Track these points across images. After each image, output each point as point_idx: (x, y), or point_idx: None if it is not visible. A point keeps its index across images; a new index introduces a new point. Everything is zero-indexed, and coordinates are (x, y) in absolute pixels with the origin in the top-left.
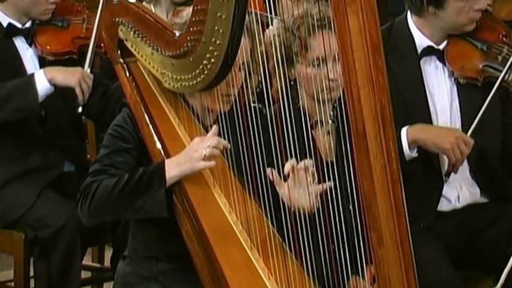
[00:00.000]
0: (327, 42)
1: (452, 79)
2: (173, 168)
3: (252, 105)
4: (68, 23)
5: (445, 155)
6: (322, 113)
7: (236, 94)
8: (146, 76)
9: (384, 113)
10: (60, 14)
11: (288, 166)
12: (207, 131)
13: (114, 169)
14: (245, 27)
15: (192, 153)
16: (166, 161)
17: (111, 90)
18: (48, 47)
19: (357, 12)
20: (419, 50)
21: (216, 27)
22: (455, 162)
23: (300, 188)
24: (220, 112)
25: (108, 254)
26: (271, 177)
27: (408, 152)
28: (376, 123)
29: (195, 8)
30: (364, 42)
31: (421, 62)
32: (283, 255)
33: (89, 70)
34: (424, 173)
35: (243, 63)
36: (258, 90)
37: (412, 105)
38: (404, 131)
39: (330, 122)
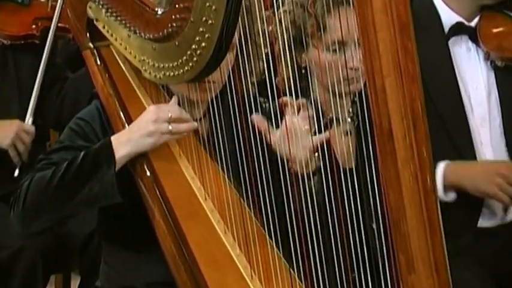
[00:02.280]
0: (347, 23)
1: (489, 63)
2: (123, 146)
3: (252, 98)
4: (30, 0)
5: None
6: (340, 109)
7: (220, 81)
8: (122, 64)
9: (414, 107)
10: None
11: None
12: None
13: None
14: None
15: (148, 126)
16: (113, 138)
17: (65, 86)
18: (4, 29)
19: None
20: (446, 29)
21: (208, 3)
22: (509, 203)
23: (294, 137)
24: (213, 106)
25: (75, 282)
26: (257, 124)
27: (443, 196)
28: (404, 120)
29: None
30: (389, 21)
31: (449, 43)
32: (292, 285)
33: (30, 120)
34: None
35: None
36: (262, 78)
37: (441, 96)
38: (440, 170)
39: (349, 119)
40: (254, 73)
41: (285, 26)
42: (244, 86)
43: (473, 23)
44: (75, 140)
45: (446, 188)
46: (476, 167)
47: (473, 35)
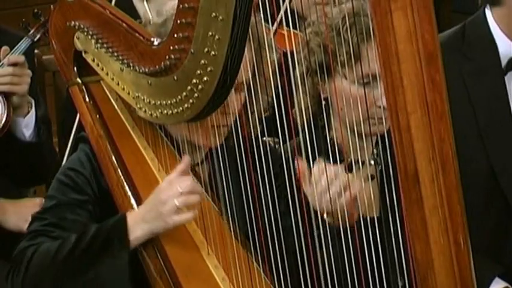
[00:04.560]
0: None
1: None
2: (138, 226)
3: (260, 138)
4: None
5: None
6: (362, 151)
7: (232, 123)
8: (113, 101)
9: (443, 148)
10: None
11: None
12: (196, 175)
13: (59, 230)
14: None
15: (160, 206)
16: (129, 215)
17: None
18: None
19: (404, 9)
20: (503, 62)
21: (210, 33)
22: None
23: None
24: (216, 148)
25: None
26: (299, 167)
27: None
28: (432, 163)
29: (181, 6)
30: (415, 50)
31: (505, 78)
32: None
33: None
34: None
35: (244, 81)
36: (265, 114)
37: (493, 139)
38: None
39: (372, 163)
40: (262, 110)
41: (312, 49)
42: (251, 125)
43: None
44: (67, 194)
45: None
46: None
47: None
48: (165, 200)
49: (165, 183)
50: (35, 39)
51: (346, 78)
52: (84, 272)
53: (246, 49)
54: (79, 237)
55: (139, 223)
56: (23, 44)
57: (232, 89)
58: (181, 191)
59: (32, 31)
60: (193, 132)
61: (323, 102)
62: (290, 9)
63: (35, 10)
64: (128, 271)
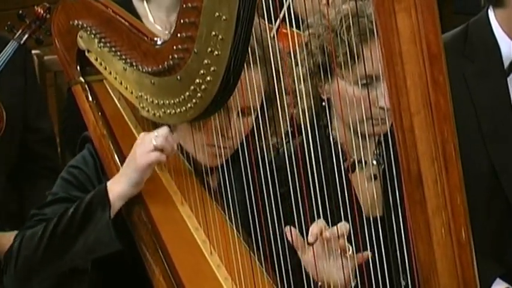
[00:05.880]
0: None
1: None
2: (117, 183)
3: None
4: None
5: None
6: (363, 151)
7: (236, 146)
8: (116, 101)
9: (446, 149)
10: None
11: (314, 229)
12: (198, 174)
13: None
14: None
15: (136, 153)
16: (109, 182)
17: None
18: None
19: (408, 10)
20: (506, 63)
21: (214, 32)
22: None
23: (329, 257)
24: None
25: None
26: (290, 238)
27: None
28: (435, 163)
29: (184, 5)
30: (418, 51)
31: (508, 79)
32: None
33: None
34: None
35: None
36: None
37: (495, 140)
38: None
39: (375, 163)
40: (276, 135)
41: (311, 51)
42: (264, 146)
43: None
44: (69, 191)
45: None
46: None
47: None
48: (141, 142)
49: (142, 134)
50: (22, 42)
51: (345, 80)
52: (72, 243)
53: (260, 74)
54: (62, 213)
55: (117, 180)
56: (10, 48)
57: (240, 113)
58: (156, 134)
59: (18, 33)
60: (198, 152)
61: (324, 103)
62: (292, 9)
63: (20, 12)
64: (111, 228)
